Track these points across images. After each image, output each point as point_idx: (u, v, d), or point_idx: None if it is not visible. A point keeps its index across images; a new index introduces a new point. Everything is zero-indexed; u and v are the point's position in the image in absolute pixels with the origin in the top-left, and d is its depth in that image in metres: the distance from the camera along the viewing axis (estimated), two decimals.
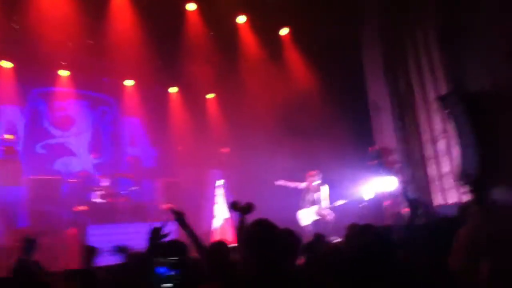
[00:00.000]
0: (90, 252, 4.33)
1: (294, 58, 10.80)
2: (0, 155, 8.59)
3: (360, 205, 8.58)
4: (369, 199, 8.58)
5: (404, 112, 9.25)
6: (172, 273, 3.16)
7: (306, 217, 8.37)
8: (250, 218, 3.08)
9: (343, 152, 9.17)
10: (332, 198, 8.43)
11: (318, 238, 4.91)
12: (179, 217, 3.64)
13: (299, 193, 8.63)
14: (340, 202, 8.36)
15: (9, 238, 7.72)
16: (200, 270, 3.43)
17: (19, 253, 3.91)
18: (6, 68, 9.53)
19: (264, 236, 2.66)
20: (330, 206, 8.34)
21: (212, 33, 10.01)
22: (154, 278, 3.07)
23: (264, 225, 2.71)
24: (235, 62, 10.46)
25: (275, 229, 2.70)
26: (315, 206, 8.39)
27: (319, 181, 8.49)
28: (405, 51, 9.22)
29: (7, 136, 8.83)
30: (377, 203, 8.44)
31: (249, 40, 10.45)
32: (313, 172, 8.55)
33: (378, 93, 9.87)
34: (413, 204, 4.39)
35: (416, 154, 8.71)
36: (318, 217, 8.32)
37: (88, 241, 7.77)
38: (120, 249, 3.68)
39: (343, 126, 9.37)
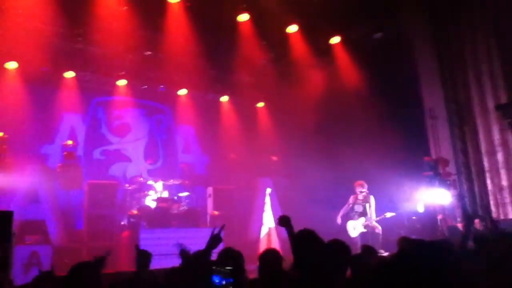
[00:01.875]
0: (144, 256, 4.41)
1: (346, 66, 10.66)
2: (61, 160, 9.08)
3: (413, 218, 8.29)
4: (422, 212, 8.26)
5: (462, 122, 8.89)
6: (226, 282, 3.17)
7: (353, 228, 8.19)
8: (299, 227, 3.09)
9: (396, 161, 8.90)
10: (383, 209, 8.20)
11: (367, 250, 4.77)
12: (286, 221, 3.63)
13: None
14: (389, 214, 8.10)
15: (68, 239, 8.12)
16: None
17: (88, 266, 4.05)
18: (69, 78, 10.07)
19: (307, 246, 2.65)
20: (378, 218, 8.12)
21: (264, 42, 10.10)
22: (209, 285, 3.10)
23: (307, 236, 2.71)
24: (286, 71, 10.49)
25: (318, 239, 2.68)
26: (362, 218, 8.21)
27: (365, 191, 8.32)
28: (464, 58, 8.89)
29: (68, 142, 9.32)
30: (430, 216, 8.10)
31: (300, 49, 10.44)
32: (360, 182, 8.40)
33: (435, 101, 9.53)
34: (469, 218, 4.18)
35: (474, 166, 8.31)
36: (365, 229, 8.13)
37: (140, 244, 8.02)
38: (183, 252, 3.70)
39: (397, 135, 9.11)
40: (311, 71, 10.42)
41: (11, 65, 9.27)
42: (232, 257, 3.41)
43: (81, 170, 9.14)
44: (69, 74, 10.06)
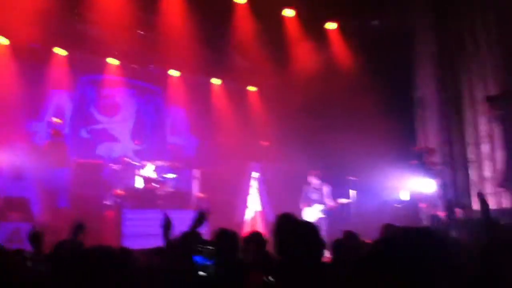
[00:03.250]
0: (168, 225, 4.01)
1: (340, 53, 10.60)
2: (48, 138, 8.99)
3: (396, 206, 8.35)
4: (406, 200, 8.34)
5: (451, 112, 8.93)
6: (208, 262, 3.16)
7: (309, 215, 8.32)
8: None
9: (385, 149, 8.93)
10: (366, 196, 8.30)
11: (349, 236, 4.79)
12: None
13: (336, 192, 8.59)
14: (344, 201, 8.39)
15: (51, 217, 8.08)
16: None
17: (68, 234, 4.03)
18: (60, 56, 9.92)
19: (284, 227, 2.66)
20: (333, 204, 8.35)
21: (259, 25, 10.00)
22: (192, 265, 3.08)
23: (285, 218, 2.73)
24: (280, 56, 10.41)
25: (296, 221, 2.69)
26: (318, 205, 8.40)
27: (320, 180, 8.60)
28: (457, 49, 8.89)
29: (55, 120, 9.21)
30: (413, 204, 8.18)
31: (295, 34, 10.36)
32: (315, 172, 8.64)
33: (426, 90, 9.55)
34: (451, 207, 4.19)
35: (459, 157, 8.38)
36: (323, 216, 8.30)
37: (124, 225, 8.01)
38: (167, 224, 3.61)
39: (388, 123, 9.13)
40: (305, 57, 10.35)
41: (1, 40, 9.13)
42: (227, 237, 3.40)
43: (66, 149, 9.05)
44: (60, 52, 9.91)
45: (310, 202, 8.49)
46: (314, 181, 8.60)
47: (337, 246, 4.00)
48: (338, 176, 9.06)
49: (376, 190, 8.58)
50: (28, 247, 3.82)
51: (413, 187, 8.20)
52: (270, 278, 2.38)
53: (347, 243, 4.29)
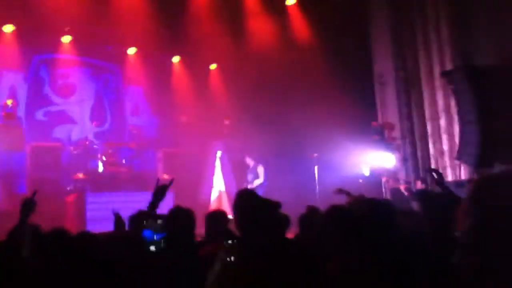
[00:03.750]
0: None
1: (299, 26, 10.59)
2: (0, 121, 8.61)
3: (359, 181, 8.54)
4: (367, 175, 8.54)
5: (409, 88, 9.13)
6: (157, 236, 3.11)
7: None
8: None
9: (345, 125, 9.08)
10: (328, 172, 8.48)
11: (311, 210, 4.87)
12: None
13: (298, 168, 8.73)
14: (257, 182, 8.85)
15: (9, 202, 7.81)
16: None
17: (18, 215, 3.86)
18: (8, 33, 9.43)
19: (246, 203, 2.67)
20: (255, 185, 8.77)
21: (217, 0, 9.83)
22: (141, 240, 3.03)
23: (246, 194, 2.74)
24: (238, 31, 10.29)
25: (257, 197, 2.70)
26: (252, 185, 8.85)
27: (253, 162, 9.11)
28: (415, 24, 9.04)
29: (8, 102, 8.81)
30: (375, 179, 8.40)
31: (254, 9, 10.25)
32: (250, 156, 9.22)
33: (384, 67, 9.71)
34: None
35: (418, 131, 8.62)
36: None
37: (87, 209, 7.86)
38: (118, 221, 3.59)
39: (345, 98, 9.25)
40: (264, 32, 10.28)
41: None
42: (181, 212, 3.36)
43: (22, 131, 8.71)
44: (8, 28, 9.41)
45: (247, 183, 8.95)
46: (249, 162, 9.01)
47: (302, 221, 4.05)
48: (299, 152, 9.17)
49: (337, 166, 8.72)
50: None
51: (374, 162, 8.40)
52: (232, 258, 2.38)
53: (311, 217, 4.37)
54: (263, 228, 2.57)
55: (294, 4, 10.60)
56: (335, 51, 9.58)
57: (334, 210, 2.86)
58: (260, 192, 8.64)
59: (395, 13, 9.42)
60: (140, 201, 3.47)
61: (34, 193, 3.08)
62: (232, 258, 2.32)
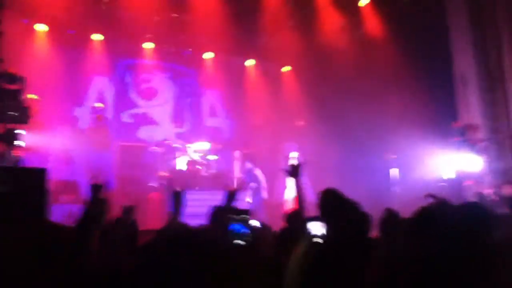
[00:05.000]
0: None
1: (374, 29, 10.39)
2: (92, 123, 9.27)
3: (441, 184, 8.21)
4: (451, 178, 8.17)
5: (493, 87, 8.65)
6: (246, 230, 3.25)
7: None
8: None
9: (421, 125, 8.76)
10: (408, 175, 8.23)
11: (390, 213, 4.80)
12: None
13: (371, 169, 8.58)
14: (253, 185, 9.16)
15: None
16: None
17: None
18: (96, 41, 10.17)
19: (331, 203, 2.73)
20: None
21: (291, 5, 9.92)
22: (229, 234, 3.18)
23: (331, 193, 2.78)
24: (310, 32, 10.31)
25: (343, 197, 2.74)
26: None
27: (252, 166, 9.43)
28: (497, 18, 8.56)
29: (97, 105, 9.48)
30: (458, 182, 8.01)
31: (328, 12, 10.21)
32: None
33: (466, 65, 9.25)
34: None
35: (504, 132, 8.14)
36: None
37: (169, 206, 8.22)
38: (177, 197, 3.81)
39: (424, 99, 8.95)
40: (337, 33, 10.20)
41: (41, 27, 9.41)
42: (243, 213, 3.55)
43: (109, 133, 9.32)
44: (97, 37, 10.14)
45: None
46: (248, 165, 9.39)
47: (383, 223, 4.03)
48: (375, 153, 9.00)
49: (416, 168, 8.45)
50: None
51: (457, 164, 8.03)
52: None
53: (391, 220, 4.32)
54: (350, 227, 2.62)
55: (368, 4, 10.42)
56: (412, 49, 9.29)
57: (426, 212, 2.82)
58: (257, 196, 8.99)
59: (476, 7, 8.98)
60: (219, 199, 3.72)
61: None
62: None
